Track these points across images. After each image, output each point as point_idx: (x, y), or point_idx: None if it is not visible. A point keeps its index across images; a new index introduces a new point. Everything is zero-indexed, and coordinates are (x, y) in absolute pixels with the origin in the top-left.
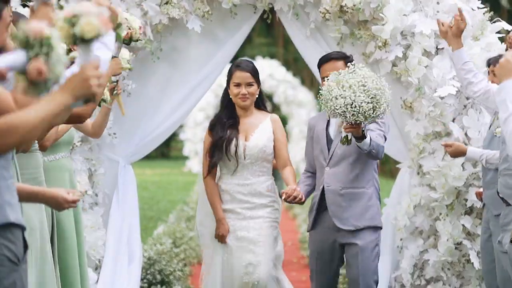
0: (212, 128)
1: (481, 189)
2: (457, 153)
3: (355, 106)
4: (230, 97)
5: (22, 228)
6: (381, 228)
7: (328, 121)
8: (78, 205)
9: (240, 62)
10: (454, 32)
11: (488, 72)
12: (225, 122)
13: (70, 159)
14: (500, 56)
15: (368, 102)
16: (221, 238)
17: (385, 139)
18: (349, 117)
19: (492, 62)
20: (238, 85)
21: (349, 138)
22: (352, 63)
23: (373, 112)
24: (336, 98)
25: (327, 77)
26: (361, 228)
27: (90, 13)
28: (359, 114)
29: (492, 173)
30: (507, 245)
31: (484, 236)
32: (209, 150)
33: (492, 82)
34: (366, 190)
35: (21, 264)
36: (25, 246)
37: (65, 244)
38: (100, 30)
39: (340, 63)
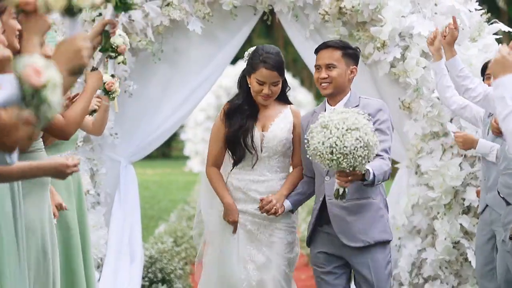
0: (230, 115)
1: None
2: (467, 144)
3: (345, 151)
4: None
5: None
6: (390, 242)
7: None
8: (84, 205)
9: (267, 57)
10: (448, 41)
11: (484, 79)
12: (246, 109)
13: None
14: None
15: (359, 146)
16: (232, 224)
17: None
18: (340, 163)
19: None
20: (261, 83)
21: (340, 193)
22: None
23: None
24: (322, 143)
25: (319, 65)
26: (371, 244)
27: None
28: (351, 158)
29: (494, 176)
30: (510, 244)
31: (483, 238)
32: (225, 140)
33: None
34: (373, 200)
35: None
36: None
37: (69, 243)
38: (94, 1)
39: (337, 53)
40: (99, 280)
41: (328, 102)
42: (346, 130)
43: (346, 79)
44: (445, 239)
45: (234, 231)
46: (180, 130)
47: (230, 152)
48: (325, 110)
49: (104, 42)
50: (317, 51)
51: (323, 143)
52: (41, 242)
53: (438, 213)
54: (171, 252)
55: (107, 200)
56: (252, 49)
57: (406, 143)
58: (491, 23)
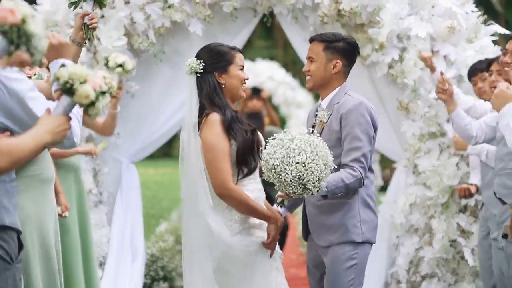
0: (230, 127)
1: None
2: (459, 144)
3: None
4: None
5: (17, 231)
6: (364, 243)
7: (316, 116)
8: (85, 206)
9: (228, 45)
10: (450, 93)
11: (474, 82)
12: (238, 116)
13: (78, 158)
14: (482, 62)
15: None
16: (274, 243)
17: (370, 153)
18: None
19: (479, 68)
20: (242, 68)
21: (279, 201)
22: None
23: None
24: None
25: (307, 58)
26: (336, 243)
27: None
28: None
29: (490, 176)
30: (503, 242)
31: (482, 234)
32: (237, 154)
33: (479, 93)
34: (346, 200)
35: (14, 263)
36: (20, 247)
37: (67, 244)
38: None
39: (319, 47)
40: (101, 277)
41: (320, 95)
42: (291, 162)
43: (326, 74)
44: (442, 237)
45: (272, 253)
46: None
47: (241, 165)
48: (319, 105)
49: (85, 34)
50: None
51: (267, 160)
52: (40, 239)
53: (435, 212)
54: (172, 250)
55: (110, 199)
56: (194, 60)
57: (403, 143)
58: (488, 25)
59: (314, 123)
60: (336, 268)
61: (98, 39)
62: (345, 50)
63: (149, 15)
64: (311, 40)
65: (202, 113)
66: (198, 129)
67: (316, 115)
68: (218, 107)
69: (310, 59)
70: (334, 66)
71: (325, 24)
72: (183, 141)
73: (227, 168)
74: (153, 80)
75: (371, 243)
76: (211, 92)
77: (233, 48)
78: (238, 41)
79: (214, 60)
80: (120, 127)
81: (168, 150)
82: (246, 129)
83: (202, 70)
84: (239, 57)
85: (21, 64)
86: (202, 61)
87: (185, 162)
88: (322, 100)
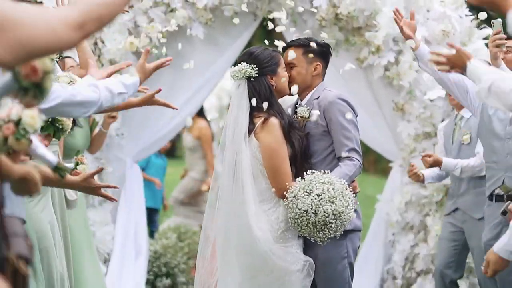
0: (289, 132)
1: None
2: (434, 164)
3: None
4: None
5: None
6: (352, 231)
7: (296, 110)
8: (83, 203)
9: (269, 47)
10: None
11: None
12: (293, 122)
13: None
14: None
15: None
16: None
17: (359, 147)
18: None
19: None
20: (285, 68)
21: None
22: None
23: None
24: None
25: (287, 64)
26: None
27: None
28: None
29: (465, 184)
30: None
31: (450, 229)
32: (292, 159)
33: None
34: None
35: None
36: None
37: (74, 241)
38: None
39: (298, 52)
40: (106, 274)
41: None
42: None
43: (308, 76)
44: (436, 235)
45: None
46: (182, 131)
47: (294, 169)
48: (297, 104)
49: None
50: (283, 51)
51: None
52: (49, 243)
53: (430, 210)
54: (175, 247)
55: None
56: (246, 65)
57: (399, 143)
58: (481, 29)
59: (294, 119)
60: (329, 270)
61: (103, 42)
62: (321, 52)
63: (152, 18)
64: (286, 47)
65: (253, 117)
66: (249, 134)
67: (296, 112)
68: (276, 111)
69: (290, 65)
70: (315, 69)
71: (323, 28)
72: (225, 147)
73: (289, 171)
74: (155, 82)
75: (359, 230)
76: (268, 95)
77: (275, 50)
78: (239, 44)
79: (266, 63)
80: (124, 128)
81: (170, 150)
82: (301, 135)
83: (257, 74)
84: (282, 58)
85: (28, 106)
86: (255, 65)
87: (226, 165)
88: (301, 99)
